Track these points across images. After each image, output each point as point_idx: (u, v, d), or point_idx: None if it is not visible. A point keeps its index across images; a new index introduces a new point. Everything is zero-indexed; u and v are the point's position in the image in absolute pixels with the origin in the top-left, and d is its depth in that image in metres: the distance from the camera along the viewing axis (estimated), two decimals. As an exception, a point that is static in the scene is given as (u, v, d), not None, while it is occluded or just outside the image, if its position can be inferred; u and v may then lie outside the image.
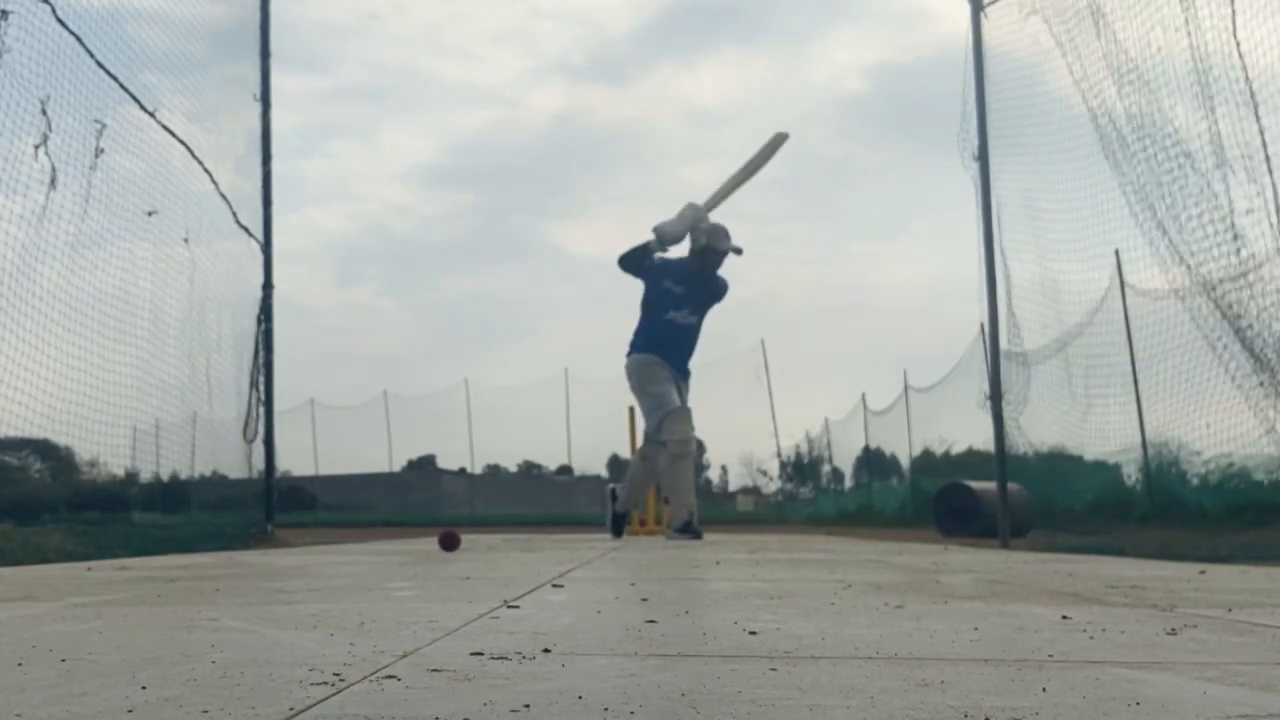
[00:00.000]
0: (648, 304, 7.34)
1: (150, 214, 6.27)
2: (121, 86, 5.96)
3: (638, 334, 7.41)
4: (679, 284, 7.30)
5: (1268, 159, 5.17)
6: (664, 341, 7.28)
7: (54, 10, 5.30)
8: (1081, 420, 8.09)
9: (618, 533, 7.80)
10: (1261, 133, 5.18)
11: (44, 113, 5.20)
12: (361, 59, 68.33)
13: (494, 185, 70.78)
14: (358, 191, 63.69)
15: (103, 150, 5.69)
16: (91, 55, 5.65)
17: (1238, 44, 5.29)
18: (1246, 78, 5.29)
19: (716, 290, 7.43)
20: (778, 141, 7.57)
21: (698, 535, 7.08)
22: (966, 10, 7.43)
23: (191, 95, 6.65)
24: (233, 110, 7.10)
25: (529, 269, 62.38)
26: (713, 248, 7.26)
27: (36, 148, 5.13)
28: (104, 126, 5.73)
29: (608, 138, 72.51)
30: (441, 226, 68.19)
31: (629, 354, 7.40)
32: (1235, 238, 5.44)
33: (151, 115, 6.28)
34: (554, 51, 73.58)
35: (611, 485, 8.00)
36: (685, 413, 7.29)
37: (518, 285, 60.50)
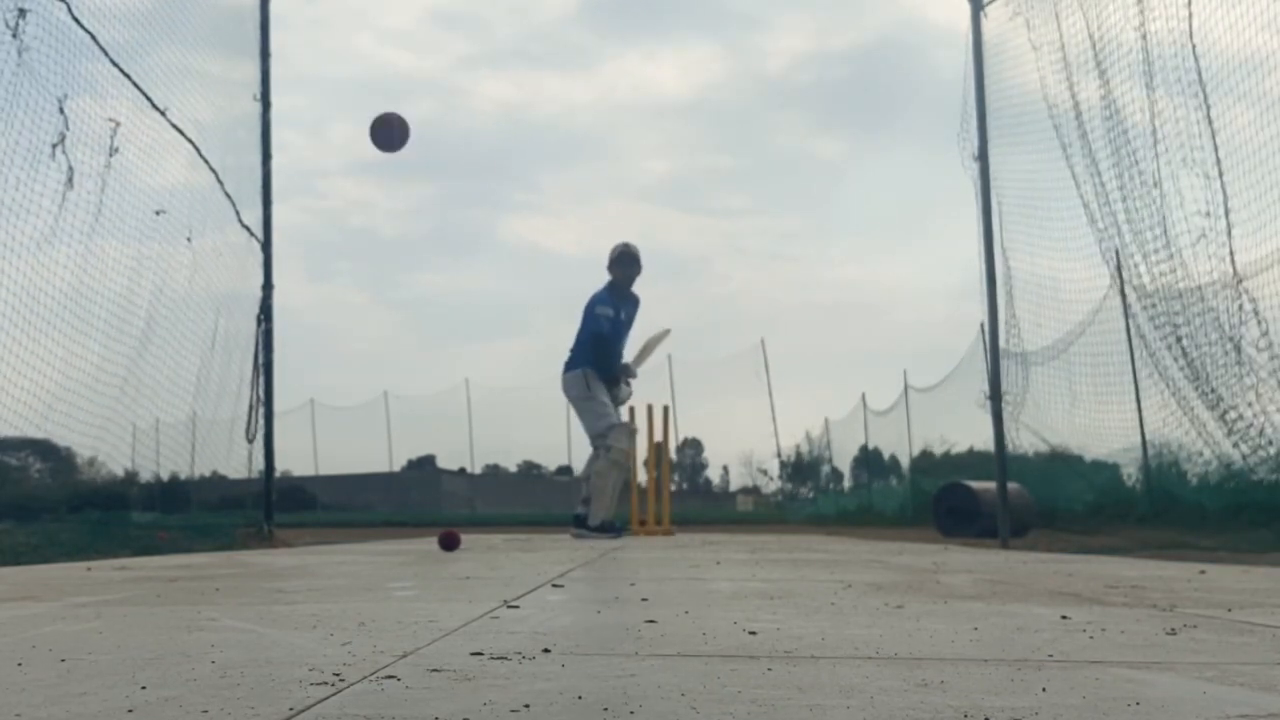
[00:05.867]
0: (603, 335, 7.97)
1: (159, 213, 6.25)
2: (135, 85, 5.95)
3: (582, 350, 8.01)
4: (624, 313, 8.12)
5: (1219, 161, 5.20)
6: (605, 360, 7.99)
7: (69, 8, 5.29)
8: (1082, 420, 8.09)
9: (616, 533, 7.80)
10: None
11: (61, 111, 5.18)
12: (305, 45, 65.91)
13: (453, 177, 70.33)
14: (313, 185, 62.73)
15: (117, 149, 5.67)
16: (106, 54, 5.64)
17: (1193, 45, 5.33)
18: (1200, 78, 5.32)
19: (636, 304, 8.28)
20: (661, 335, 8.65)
21: (617, 534, 7.81)
22: (967, 10, 7.43)
23: (125, 84, 6.34)
24: (184, 102, 6.84)
25: (505, 265, 62.31)
26: (631, 268, 8.15)
27: (54, 146, 5.12)
28: (118, 125, 5.71)
29: (565, 128, 72.32)
30: (404, 220, 67.94)
31: (573, 368, 8.00)
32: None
33: (162, 114, 6.26)
34: (502, 36, 73.19)
35: (577, 512, 8.06)
36: (632, 430, 8.24)
37: (497, 281, 60.52)
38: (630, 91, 75.45)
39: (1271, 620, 2.02)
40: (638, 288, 8.25)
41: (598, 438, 7.87)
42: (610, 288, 8.08)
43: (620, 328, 8.10)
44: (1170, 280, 5.93)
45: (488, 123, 73.34)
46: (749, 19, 73.43)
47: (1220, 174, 5.35)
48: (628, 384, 8.18)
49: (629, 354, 8.29)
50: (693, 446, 34.69)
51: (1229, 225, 5.33)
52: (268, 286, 7.81)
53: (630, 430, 8.25)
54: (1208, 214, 5.42)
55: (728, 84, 75.25)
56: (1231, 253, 5.36)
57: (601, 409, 7.89)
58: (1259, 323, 5.31)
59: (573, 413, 8.23)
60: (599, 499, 7.79)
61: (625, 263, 8.07)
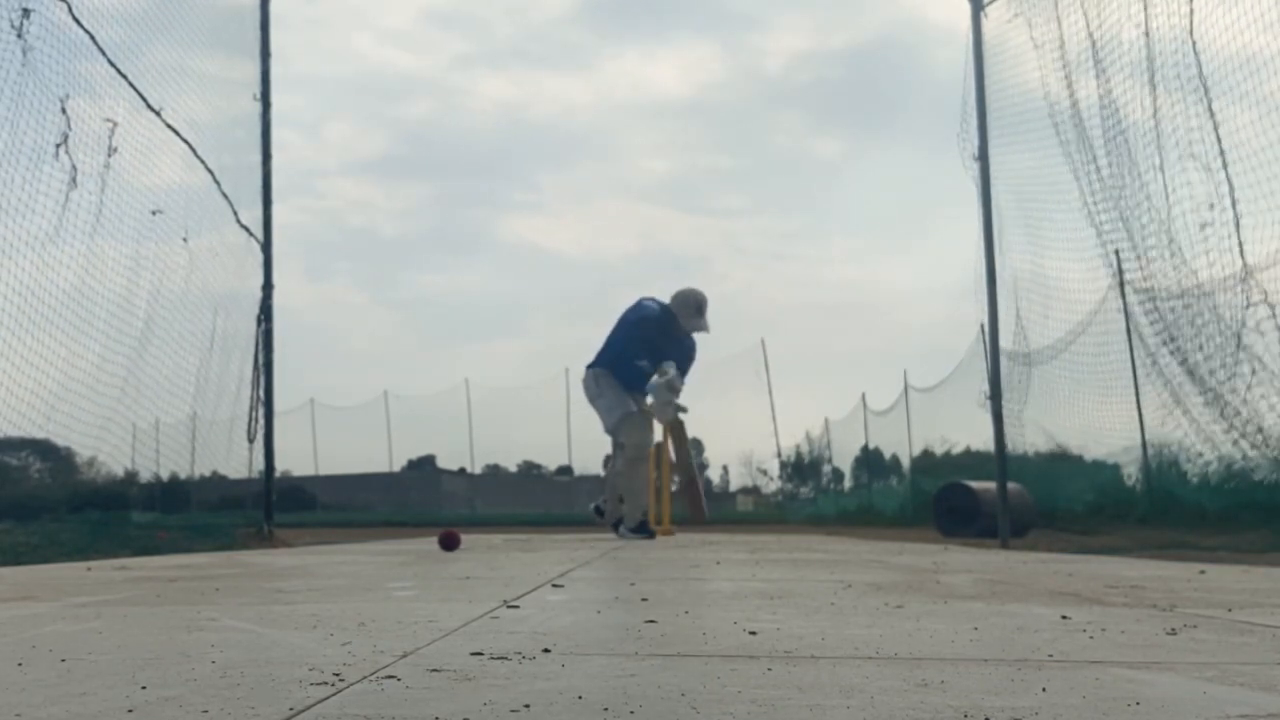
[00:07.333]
0: (625, 341, 7.68)
1: (155, 213, 6.26)
2: (131, 85, 5.95)
3: (604, 353, 7.77)
4: (660, 340, 7.67)
5: (1222, 153, 5.20)
6: (624, 373, 7.70)
7: (70, 8, 5.29)
8: (1082, 420, 8.10)
9: (650, 535, 7.67)
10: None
11: (64, 111, 5.19)
12: (302, 45, 64.03)
13: (452, 177, 69.99)
14: (311, 185, 61.97)
15: (116, 149, 5.67)
16: (104, 53, 5.64)
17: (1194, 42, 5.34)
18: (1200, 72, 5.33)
19: (686, 350, 7.89)
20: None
21: (651, 535, 7.52)
22: (966, 10, 7.43)
23: (123, 84, 6.10)
24: (182, 102, 6.74)
25: (505, 265, 62.14)
26: (692, 330, 7.79)
27: (58, 147, 5.14)
28: (116, 125, 5.71)
29: (564, 127, 72.12)
30: (403, 220, 67.67)
31: (590, 365, 7.79)
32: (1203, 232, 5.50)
33: (157, 114, 6.26)
34: (501, 35, 72.90)
35: (594, 504, 7.99)
36: (643, 417, 7.77)
37: (497, 281, 60.39)
38: (629, 91, 75.31)
39: (1271, 620, 2.02)
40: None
41: (611, 434, 7.69)
42: (667, 314, 7.67)
43: (646, 349, 7.63)
44: (1169, 279, 5.93)
45: (486, 122, 73.21)
46: (747, 18, 73.27)
47: (1225, 165, 5.34)
48: (668, 383, 7.61)
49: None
50: (693, 446, 34.65)
51: (1236, 217, 5.33)
52: (268, 286, 7.81)
53: (643, 419, 7.80)
54: (1212, 206, 5.42)
55: (727, 84, 75.14)
56: (1240, 244, 5.36)
57: (609, 405, 7.65)
58: (1271, 313, 5.30)
59: (589, 412, 8.02)
60: (631, 500, 7.54)
61: (689, 310, 7.62)
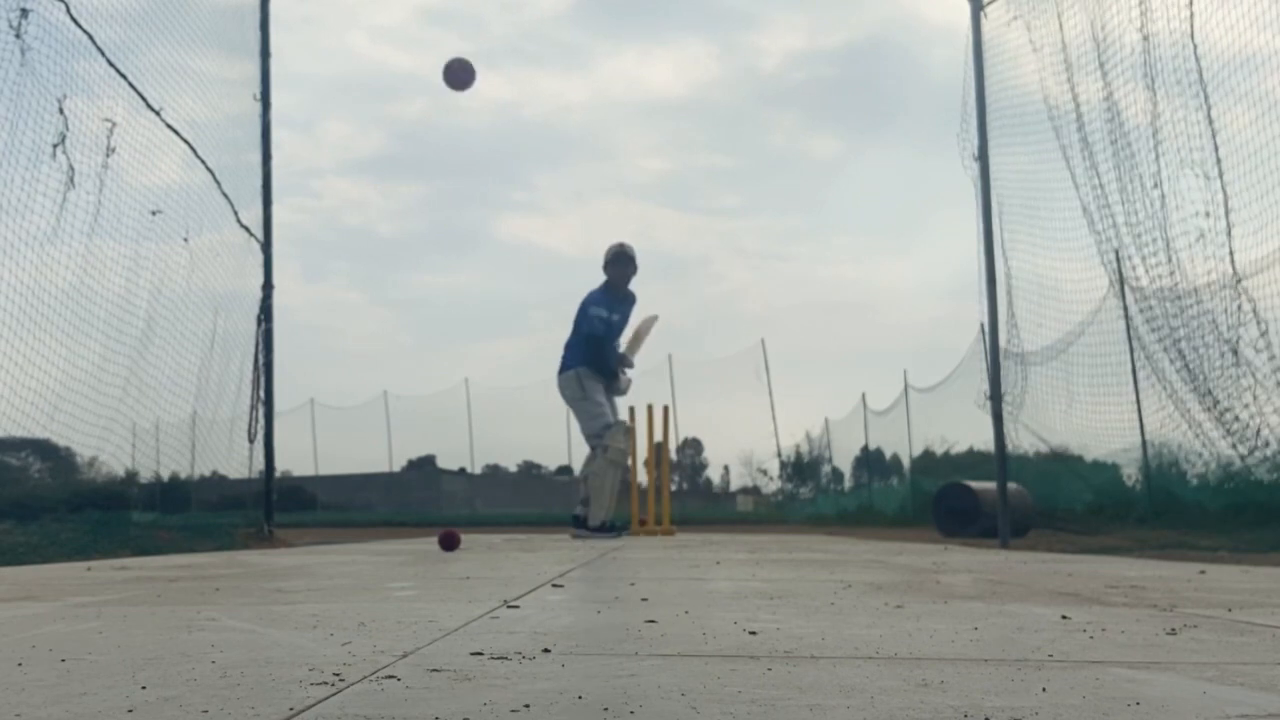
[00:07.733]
0: (598, 337, 8.01)
1: (155, 213, 6.26)
2: (130, 85, 5.94)
3: (575, 351, 8.06)
4: (616, 313, 8.15)
5: (1219, 161, 5.20)
6: (601, 359, 8.02)
7: (68, 8, 5.29)
8: (1081, 420, 8.09)
9: (615, 533, 7.85)
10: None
11: (61, 111, 5.19)
12: (297, 43, 63.84)
13: (448, 176, 70.00)
14: (307, 184, 61.67)
15: (114, 149, 5.67)
16: (102, 53, 5.63)
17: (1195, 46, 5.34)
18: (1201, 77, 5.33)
19: (632, 303, 8.34)
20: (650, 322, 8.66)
21: (618, 534, 7.88)
22: (966, 10, 7.42)
23: (122, 84, 6.04)
24: (181, 102, 6.66)
25: (502, 264, 62.14)
26: (626, 268, 8.24)
27: (55, 146, 5.14)
28: (114, 125, 5.71)
29: (560, 126, 72.09)
30: (400, 219, 67.63)
31: (567, 369, 8.04)
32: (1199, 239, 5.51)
33: (157, 113, 6.26)
34: (496, 34, 72.83)
35: (575, 513, 8.08)
36: (627, 430, 8.29)
37: (495, 281, 60.36)
38: (625, 90, 75.27)
39: (1271, 620, 2.02)
40: (633, 286, 8.29)
41: (593, 438, 7.91)
42: (605, 288, 8.12)
43: (614, 328, 8.11)
44: (1168, 282, 5.93)
45: (482, 121, 73.18)
46: (744, 17, 73.23)
47: (1220, 174, 5.35)
48: (624, 374, 8.16)
49: (622, 346, 8.31)
50: (693, 446, 34.66)
51: (1229, 225, 5.33)
52: (268, 286, 7.80)
53: (626, 429, 8.28)
54: (1207, 214, 5.43)
55: (723, 82, 75.12)
56: (1231, 253, 5.36)
57: (596, 409, 7.92)
58: (1258, 323, 5.31)
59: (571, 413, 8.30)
60: (598, 499, 7.81)
61: (621, 263, 8.10)
